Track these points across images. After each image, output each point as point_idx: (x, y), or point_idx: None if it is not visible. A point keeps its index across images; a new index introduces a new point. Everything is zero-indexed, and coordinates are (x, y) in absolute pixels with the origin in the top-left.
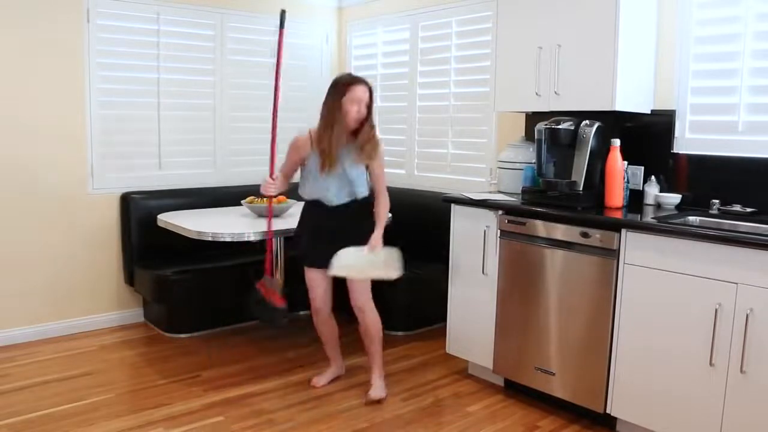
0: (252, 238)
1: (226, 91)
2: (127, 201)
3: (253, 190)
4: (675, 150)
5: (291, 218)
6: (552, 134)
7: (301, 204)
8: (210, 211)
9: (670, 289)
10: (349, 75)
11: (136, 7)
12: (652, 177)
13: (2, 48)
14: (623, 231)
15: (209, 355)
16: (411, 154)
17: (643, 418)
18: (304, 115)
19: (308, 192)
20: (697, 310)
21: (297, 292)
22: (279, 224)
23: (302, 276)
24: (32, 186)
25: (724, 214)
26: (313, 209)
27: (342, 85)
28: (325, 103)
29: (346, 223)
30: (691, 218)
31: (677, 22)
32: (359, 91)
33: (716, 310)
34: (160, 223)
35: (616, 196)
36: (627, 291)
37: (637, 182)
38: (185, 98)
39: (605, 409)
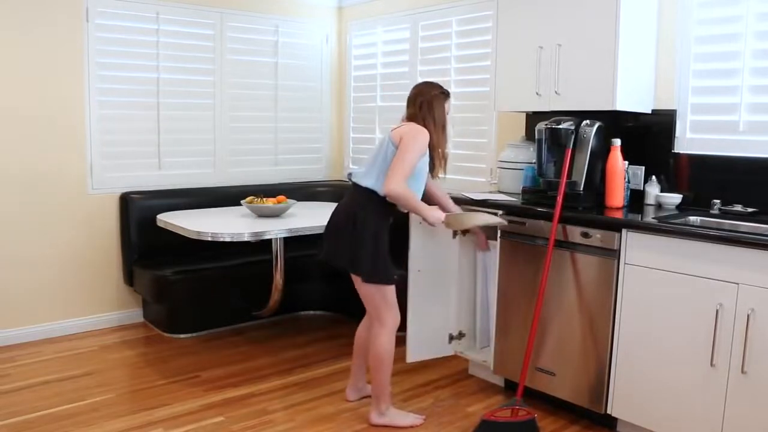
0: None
1: (225, 91)
2: (126, 201)
3: (252, 190)
4: (676, 150)
5: (290, 218)
6: (552, 134)
7: (301, 204)
8: (209, 211)
9: (670, 290)
10: (440, 85)
11: (135, 7)
12: (653, 177)
13: (1, 48)
14: (624, 231)
15: None
16: None
17: (643, 418)
18: (304, 116)
19: (410, 192)
20: (698, 310)
21: (298, 293)
22: (278, 224)
23: (303, 275)
24: (32, 186)
25: (724, 214)
26: (389, 215)
27: (444, 94)
28: (437, 106)
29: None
30: (692, 218)
31: (678, 21)
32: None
33: (717, 311)
34: (159, 223)
35: (616, 196)
36: (627, 291)
37: (638, 182)
38: (185, 98)
39: (605, 410)
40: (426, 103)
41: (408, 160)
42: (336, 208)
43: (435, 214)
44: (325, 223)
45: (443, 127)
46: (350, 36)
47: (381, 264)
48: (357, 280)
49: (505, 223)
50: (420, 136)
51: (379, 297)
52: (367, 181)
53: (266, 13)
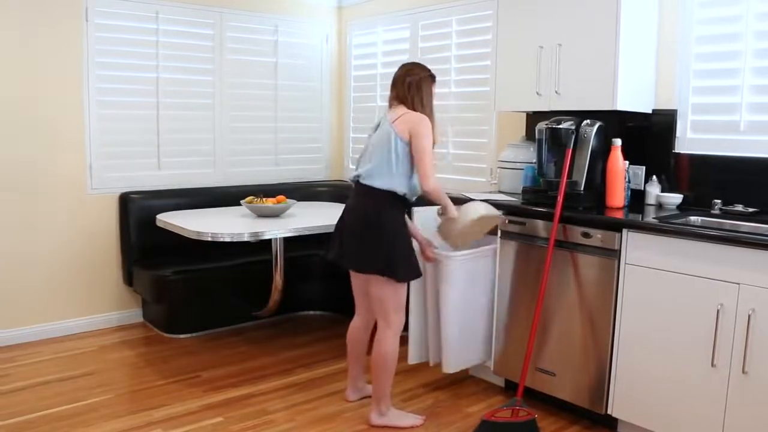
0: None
1: (225, 91)
2: (126, 201)
3: (252, 190)
4: (676, 150)
5: (290, 218)
6: (552, 134)
7: (301, 204)
8: (209, 211)
9: (671, 290)
10: (428, 67)
11: (135, 6)
12: (654, 177)
13: (1, 48)
14: (624, 231)
15: None
16: None
17: (644, 419)
18: (304, 115)
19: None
20: (699, 310)
21: (297, 293)
22: (278, 224)
23: (303, 275)
24: (31, 186)
25: (725, 214)
26: (404, 210)
27: (432, 77)
28: (425, 88)
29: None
30: (693, 218)
31: (678, 21)
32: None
33: (718, 311)
34: (159, 223)
35: (617, 196)
36: (628, 291)
37: (639, 182)
38: (185, 98)
39: (606, 410)
40: (414, 84)
41: (430, 154)
42: (348, 211)
43: (454, 208)
44: (335, 226)
45: (431, 110)
46: (350, 36)
47: (413, 261)
48: (368, 281)
49: (499, 213)
50: (427, 125)
51: (394, 298)
52: (383, 182)
53: (266, 12)
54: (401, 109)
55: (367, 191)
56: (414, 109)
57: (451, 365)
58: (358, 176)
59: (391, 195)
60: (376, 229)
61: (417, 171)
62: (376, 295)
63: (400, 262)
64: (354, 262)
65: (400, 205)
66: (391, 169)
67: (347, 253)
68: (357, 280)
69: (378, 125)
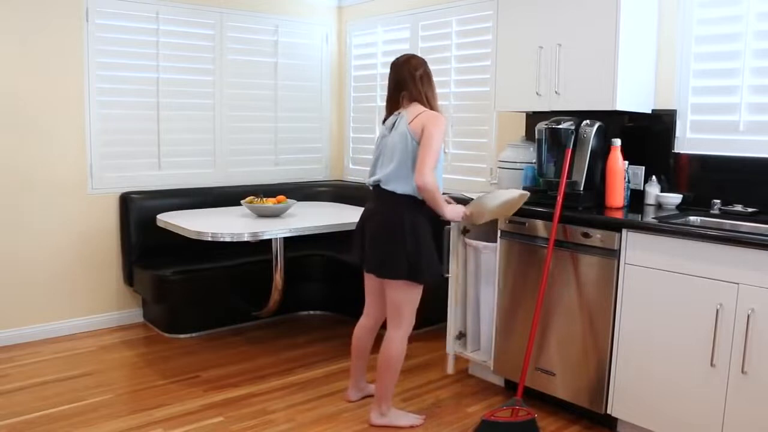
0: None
1: (225, 91)
2: (126, 201)
3: (252, 190)
4: (676, 150)
5: (290, 218)
6: (552, 134)
7: (301, 204)
8: (209, 211)
9: (671, 290)
10: (415, 54)
11: (135, 7)
12: (653, 177)
13: (1, 48)
14: (624, 231)
15: None
16: None
17: (643, 418)
18: (304, 116)
19: (437, 185)
20: (698, 310)
21: (298, 293)
22: (278, 224)
23: (303, 275)
24: (32, 186)
25: (725, 214)
26: (426, 212)
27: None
28: (432, 82)
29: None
30: (692, 218)
31: (678, 21)
32: None
33: (717, 311)
34: (159, 223)
35: (616, 196)
36: (627, 291)
37: (638, 182)
38: (185, 98)
39: (605, 410)
40: (426, 76)
41: (435, 150)
42: (369, 215)
43: (455, 210)
44: (356, 228)
45: (438, 105)
46: (350, 36)
47: (435, 261)
48: (385, 283)
49: (527, 194)
50: (441, 122)
51: (411, 302)
52: (403, 188)
53: (266, 13)
54: (416, 108)
55: (387, 196)
56: (431, 106)
57: None
58: (378, 181)
59: (411, 199)
60: (401, 234)
61: (417, 163)
62: (394, 298)
63: (424, 265)
64: (377, 268)
65: (421, 208)
66: (410, 173)
67: (369, 257)
68: (371, 280)
69: (393, 125)
